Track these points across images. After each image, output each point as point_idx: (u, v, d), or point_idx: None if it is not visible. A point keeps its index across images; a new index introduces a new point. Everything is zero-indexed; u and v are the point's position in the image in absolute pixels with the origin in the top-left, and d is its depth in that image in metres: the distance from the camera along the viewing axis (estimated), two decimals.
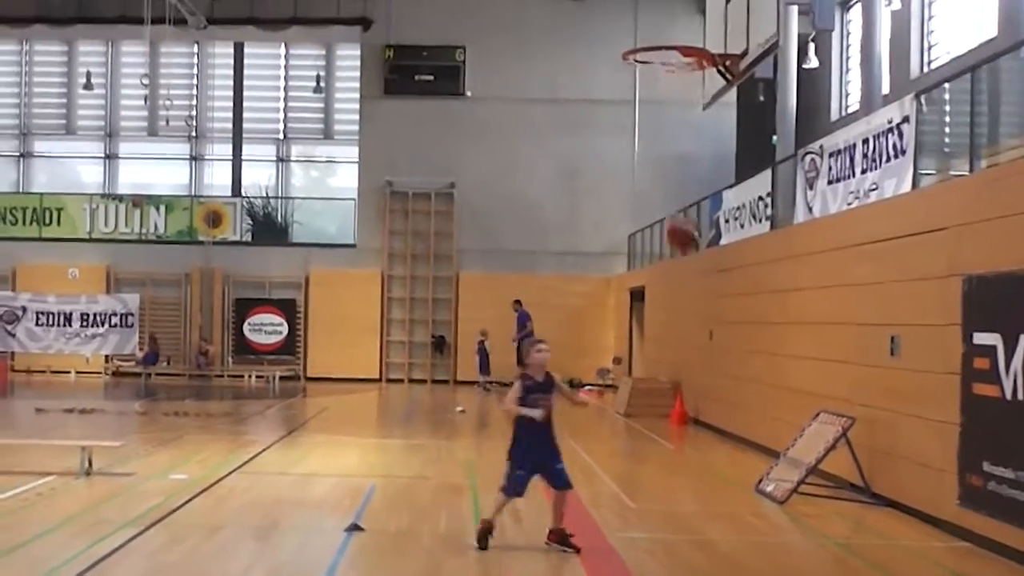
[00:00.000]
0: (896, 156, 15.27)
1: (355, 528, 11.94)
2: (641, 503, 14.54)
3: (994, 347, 11.36)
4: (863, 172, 16.41)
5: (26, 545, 10.86)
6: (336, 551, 11.01)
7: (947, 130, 15.80)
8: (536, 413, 11.00)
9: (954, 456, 12.19)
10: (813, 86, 29.62)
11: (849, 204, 16.87)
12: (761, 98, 28.61)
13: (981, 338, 11.68)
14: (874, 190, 15.89)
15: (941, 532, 12.47)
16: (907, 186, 14.82)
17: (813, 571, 11.23)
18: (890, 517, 13.50)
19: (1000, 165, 13.15)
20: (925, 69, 25.21)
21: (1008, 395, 11.05)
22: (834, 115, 30.54)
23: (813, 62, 27.59)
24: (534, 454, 11.13)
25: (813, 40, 27.24)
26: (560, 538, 11.15)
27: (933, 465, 12.81)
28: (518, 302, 34.19)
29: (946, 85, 15.71)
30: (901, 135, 15.12)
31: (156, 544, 11.17)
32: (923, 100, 14.95)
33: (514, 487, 11.17)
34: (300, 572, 10.43)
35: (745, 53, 25.45)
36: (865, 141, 16.36)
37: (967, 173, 13.55)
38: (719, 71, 26.71)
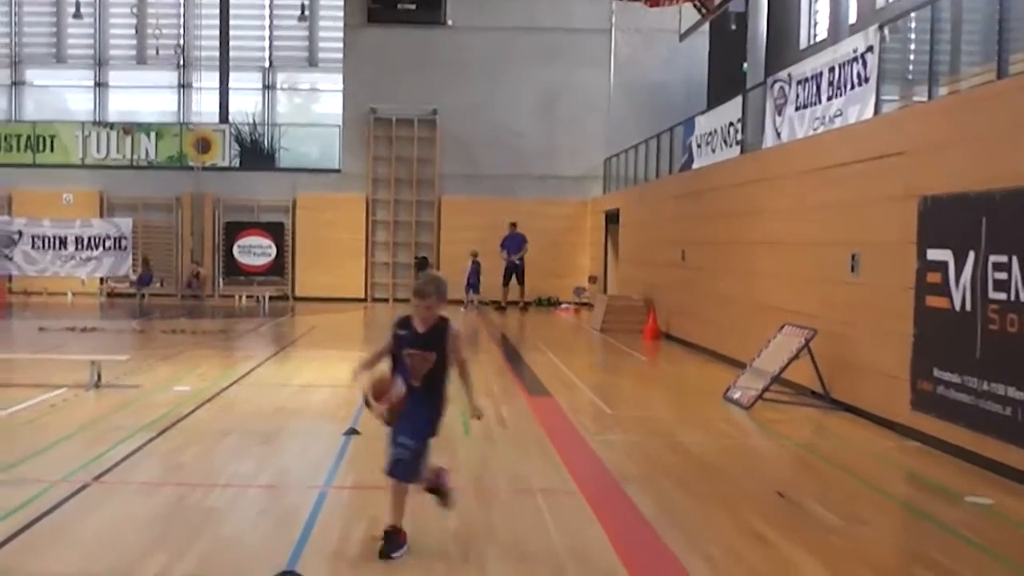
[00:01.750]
0: (860, 84, 15.73)
1: (353, 432, 12.44)
2: (617, 410, 14.99)
3: (945, 263, 11.95)
4: (829, 99, 16.90)
5: (48, 450, 11.31)
6: (336, 453, 11.49)
7: (911, 58, 16.34)
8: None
9: (907, 364, 12.81)
10: (783, 16, 29.95)
11: (815, 130, 17.34)
12: (733, 27, 28.74)
13: (934, 254, 12.25)
14: (839, 116, 16.39)
15: (895, 434, 13.08)
16: (870, 113, 15.30)
17: (777, 470, 11.65)
18: (848, 421, 14.12)
19: (957, 93, 13.61)
20: None
21: (957, 306, 11.66)
22: (803, 44, 30.78)
23: None
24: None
25: None
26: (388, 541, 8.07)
27: (888, 373, 13.41)
28: (514, 224, 34.96)
29: (912, 15, 15.99)
30: (865, 64, 15.58)
31: (169, 447, 11.67)
32: (887, 31, 15.38)
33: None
34: (307, 471, 10.90)
35: None
36: (831, 69, 16.83)
37: (927, 100, 13.95)
38: (694, 5, 27.14)
